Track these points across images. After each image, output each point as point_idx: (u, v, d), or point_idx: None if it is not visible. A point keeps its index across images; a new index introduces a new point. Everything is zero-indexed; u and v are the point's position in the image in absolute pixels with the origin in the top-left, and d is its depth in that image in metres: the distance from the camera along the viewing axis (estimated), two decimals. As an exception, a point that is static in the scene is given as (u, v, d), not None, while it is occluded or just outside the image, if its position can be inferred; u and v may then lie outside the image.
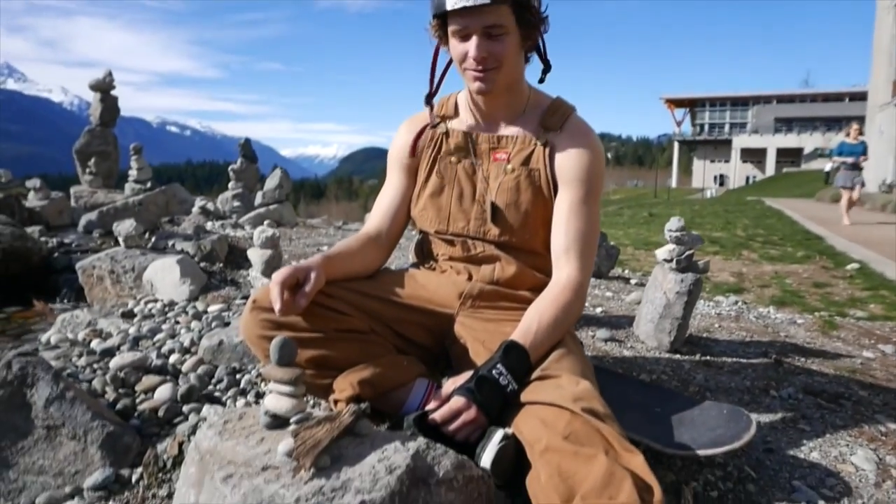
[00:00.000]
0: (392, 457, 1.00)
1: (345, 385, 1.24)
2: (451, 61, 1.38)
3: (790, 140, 50.94)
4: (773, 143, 51.02)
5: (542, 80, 1.45)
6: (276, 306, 1.16)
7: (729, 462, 1.40)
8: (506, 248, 1.43)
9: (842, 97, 52.69)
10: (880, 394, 1.91)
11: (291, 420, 1.06)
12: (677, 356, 2.12)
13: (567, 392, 1.12)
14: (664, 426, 1.36)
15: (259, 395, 1.56)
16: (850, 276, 4.73)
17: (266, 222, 1.97)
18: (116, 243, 3.48)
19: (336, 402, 1.26)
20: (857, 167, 9.36)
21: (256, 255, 1.89)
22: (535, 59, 1.41)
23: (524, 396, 1.16)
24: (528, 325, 1.25)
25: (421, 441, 1.05)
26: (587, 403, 1.09)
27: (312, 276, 1.21)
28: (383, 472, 0.96)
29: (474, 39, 1.26)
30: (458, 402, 1.14)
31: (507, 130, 1.42)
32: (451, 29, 1.29)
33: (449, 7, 1.23)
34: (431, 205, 1.45)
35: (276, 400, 1.08)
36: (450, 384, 1.24)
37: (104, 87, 5.42)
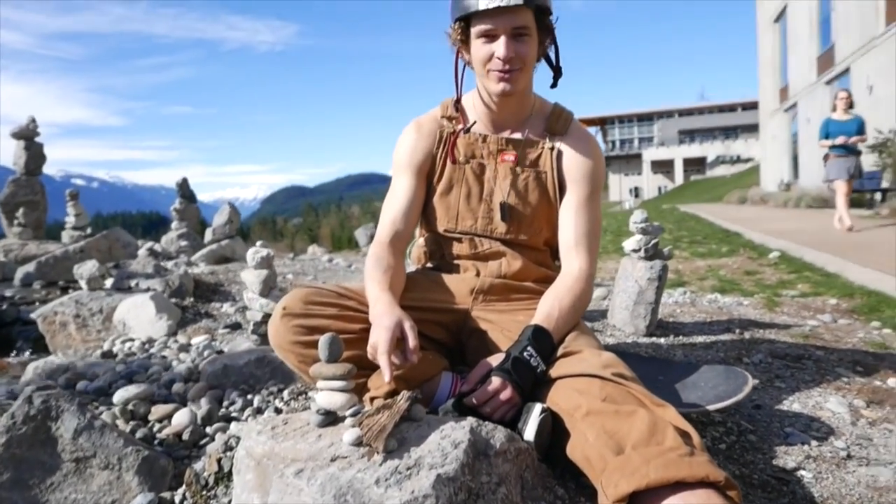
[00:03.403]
0: (452, 434, 1.05)
1: (380, 381, 1.27)
2: (465, 66, 1.44)
3: (694, 150, 54.44)
4: (679, 153, 54.30)
5: (553, 86, 1.50)
6: (389, 377, 1.15)
7: (727, 420, 1.54)
8: (511, 244, 1.51)
9: (735, 107, 57.06)
10: (833, 352, 2.13)
11: (347, 414, 1.09)
12: (653, 339, 2.28)
13: (593, 362, 1.21)
14: (671, 390, 1.48)
15: (278, 411, 1.56)
16: (774, 264, 5.14)
17: (259, 242, 1.96)
18: (63, 292, 3.34)
19: (372, 399, 1.29)
20: (851, 151, 6.94)
21: (252, 276, 1.88)
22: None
23: (553, 372, 1.24)
24: (549, 310, 1.33)
25: (471, 419, 1.11)
26: (615, 369, 1.19)
27: (407, 326, 1.20)
28: (449, 447, 1.01)
29: (502, 40, 1.31)
30: (495, 383, 1.21)
31: (514, 133, 1.50)
32: (477, 30, 1.33)
33: (482, 6, 1.28)
34: (440, 204, 1.51)
35: (329, 396, 1.10)
36: (480, 367, 1.30)
37: (28, 135, 5.14)
